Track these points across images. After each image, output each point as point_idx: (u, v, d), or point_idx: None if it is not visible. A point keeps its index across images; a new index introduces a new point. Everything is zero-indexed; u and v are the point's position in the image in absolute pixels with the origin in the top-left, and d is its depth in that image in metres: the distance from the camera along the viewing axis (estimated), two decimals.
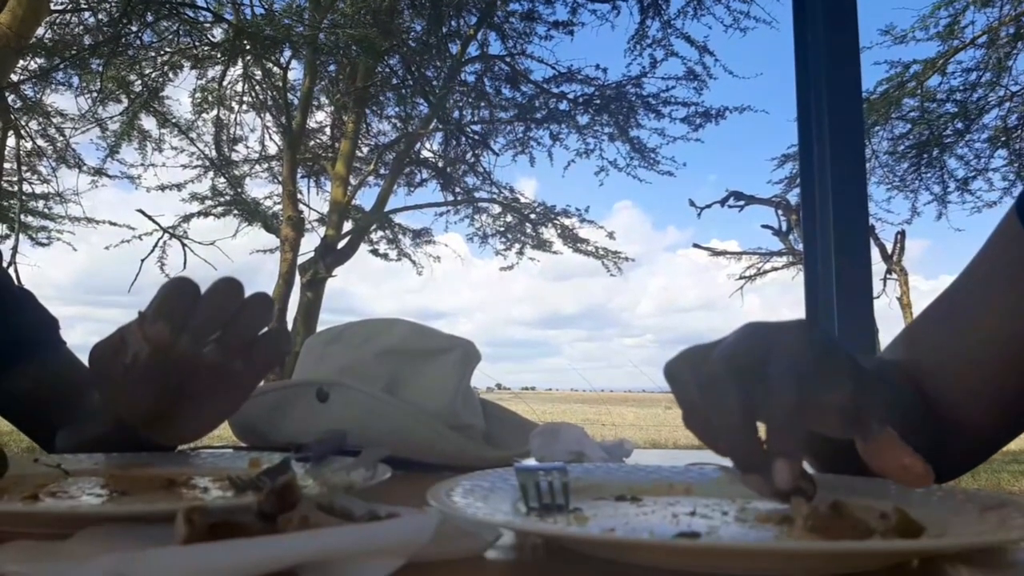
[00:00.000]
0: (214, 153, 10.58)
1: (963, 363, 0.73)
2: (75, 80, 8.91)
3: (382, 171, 10.91)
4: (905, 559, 0.43)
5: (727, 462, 0.65)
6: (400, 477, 0.63)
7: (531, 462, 0.86)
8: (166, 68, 9.30)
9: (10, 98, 8.07)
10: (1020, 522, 0.43)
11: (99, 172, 9.83)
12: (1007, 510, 0.46)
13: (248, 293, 0.69)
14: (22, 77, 8.47)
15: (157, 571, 0.36)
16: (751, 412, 0.50)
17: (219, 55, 9.40)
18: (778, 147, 12.60)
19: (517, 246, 11.61)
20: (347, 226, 10.53)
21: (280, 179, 10.70)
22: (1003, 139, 9.73)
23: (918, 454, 0.49)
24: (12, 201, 9.37)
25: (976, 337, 0.73)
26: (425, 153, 11.21)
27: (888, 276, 12.58)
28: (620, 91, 10.13)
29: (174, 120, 10.06)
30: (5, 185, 9.24)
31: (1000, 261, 0.74)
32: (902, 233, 12.40)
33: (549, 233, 11.50)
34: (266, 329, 0.71)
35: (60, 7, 8.26)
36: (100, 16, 8.56)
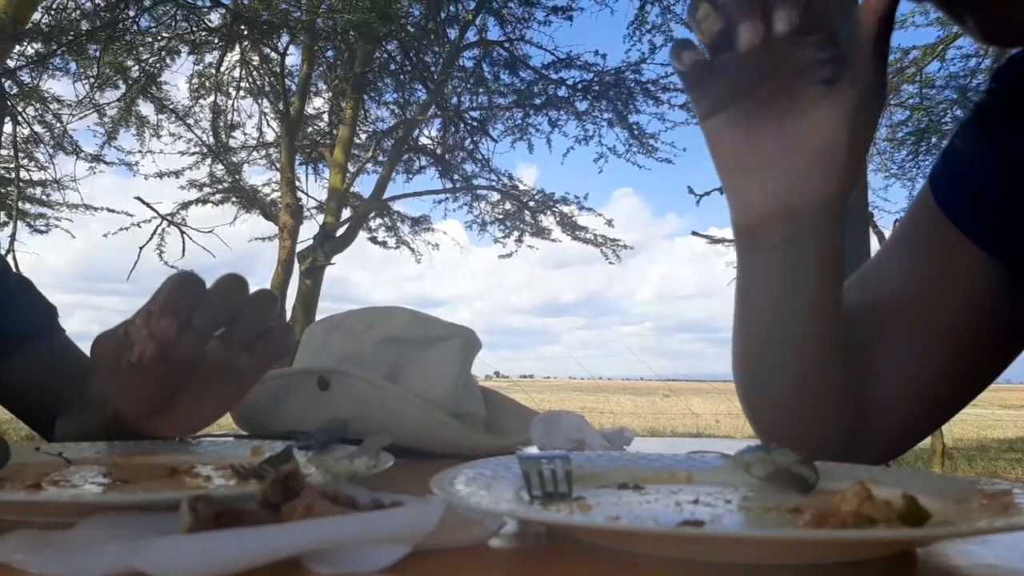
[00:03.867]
0: (211, 139, 10.55)
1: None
2: (72, 66, 8.86)
3: (380, 158, 10.88)
4: (909, 547, 0.44)
5: (728, 449, 0.66)
6: (403, 465, 0.63)
7: (533, 450, 0.86)
8: (163, 53, 9.23)
9: (6, 84, 8.02)
10: None
11: (97, 158, 9.79)
12: (1010, 497, 0.46)
13: (247, 281, 0.69)
14: (19, 63, 8.42)
15: (162, 560, 0.36)
16: None
17: (216, 40, 9.34)
18: None
19: (516, 233, 11.60)
20: (345, 213, 10.51)
21: (278, 166, 10.66)
22: None
23: None
24: (9, 188, 9.33)
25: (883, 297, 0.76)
26: (423, 140, 11.17)
27: None
28: (619, 77, 10.07)
29: (171, 106, 10.02)
30: (2, 172, 9.21)
31: (906, 227, 0.78)
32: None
33: (548, 220, 11.48)
34: (271, 325, 0.71)
35: None
36: (97, 0, 8.50)
